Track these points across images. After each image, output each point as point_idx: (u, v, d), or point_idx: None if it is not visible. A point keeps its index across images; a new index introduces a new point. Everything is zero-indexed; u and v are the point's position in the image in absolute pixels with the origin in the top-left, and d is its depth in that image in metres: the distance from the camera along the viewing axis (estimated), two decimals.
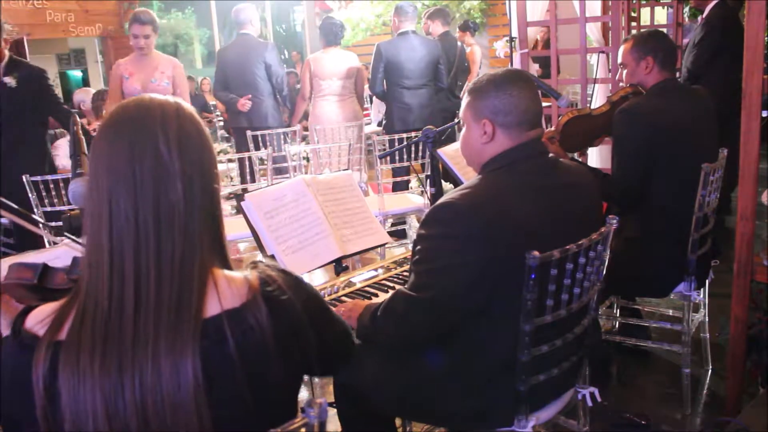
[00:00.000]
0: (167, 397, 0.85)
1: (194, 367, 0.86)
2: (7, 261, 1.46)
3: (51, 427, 0.86)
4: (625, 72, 2.49)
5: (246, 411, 0.90)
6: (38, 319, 0.92)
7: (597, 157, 4.40)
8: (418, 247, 1.48)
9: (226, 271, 0.96)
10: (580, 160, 3.20)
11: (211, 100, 8.90)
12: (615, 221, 1.58)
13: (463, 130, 1.63)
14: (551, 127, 4.25)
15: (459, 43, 5.80)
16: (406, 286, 1.50)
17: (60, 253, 1.57)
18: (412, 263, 1.51)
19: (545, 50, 4.88)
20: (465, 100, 1.61)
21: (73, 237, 1.40)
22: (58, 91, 9.90)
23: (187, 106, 0.98)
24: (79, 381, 0.84)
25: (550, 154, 1.59)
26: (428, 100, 4.68)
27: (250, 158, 3.81)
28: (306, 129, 5.07)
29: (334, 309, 1.73)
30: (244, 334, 0.90)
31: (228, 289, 0.93)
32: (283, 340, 0.93)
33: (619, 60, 2.51)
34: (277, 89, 4.80)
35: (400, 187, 4.32)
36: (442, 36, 5.35)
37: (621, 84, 2.61)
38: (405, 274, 2.02)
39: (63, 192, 3.33)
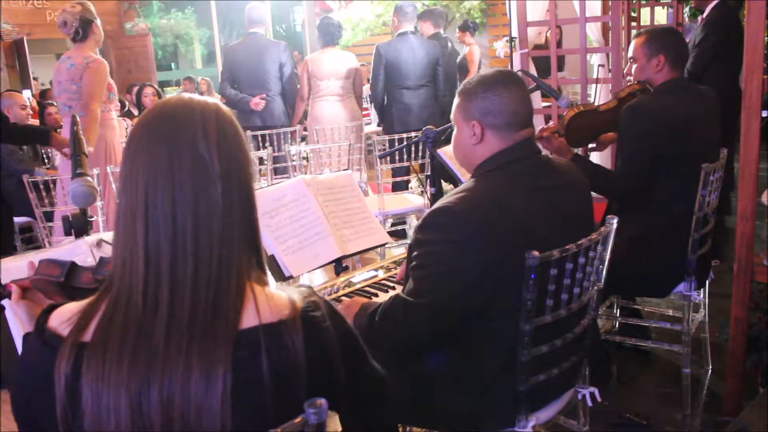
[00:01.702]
0: (194, 401, 0.84)
1: (224, 376, 0.84)
2: (7, 261, 1.46)
3: (70, 425, 0.86)
4: (634, 66, 2.46)
5: (266, 424, 0.88)
6: (62, 319, 0.90)
7: (598, 155, 4.39)
8: (416, 252, 1.48)
9: (268, 289, 0.95)
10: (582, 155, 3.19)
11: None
12: (615, 221, 1.57)
13: (454, 131, 1.63)
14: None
15: (449, 44, 5.80)
16: (404, 292, 1.49)
17: (73, 248, 1.57)
18: (409, 269, 1.50)
19: (545, 50, 4.88)
20: (455, 101, 1.61)
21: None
22: None
23: (225, 107, 0.98)
24: (104, 381, 0.84)
25: (545, 152, 1.59)
26: (427, 101, 4.68)
27: None
28: (306, 129, 5.07)
29: None
30: (278, 352, 0.88)
31: (267, 304, 0.91)
32: (314, 366, 0.91)
33: (630, 53, 2.49)
34: (287, 89, 4.82)
35: (399, 187, 4.32)
36: (432, 37, 5.35)
37: (628, 78, 2.58)
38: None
39: (63, 192, 3.33)
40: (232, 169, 0.92)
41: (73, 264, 1.16)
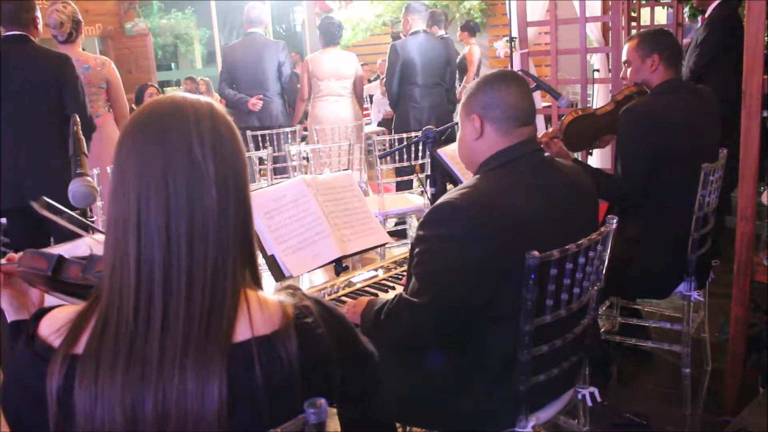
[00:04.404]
0: (191, 412, 0.83)
1: (220, 389, 0.83)
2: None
3: None
4: (629, 70, 2.46)
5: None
6: (53, 328, 0.88)
7: (598, 156, 4.40)
8: (418, 249, 1.48)
9: (260, 293, 0.92)
10: (580, 159, 3.19)
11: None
12: (615, 221, 1.57)
13: (459, 131, 1.64)
14: (551, 127, 4.25)
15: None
16: (408, 292, 1.49)
17: (68, 249, 1.56)
18: (412, 266, 1.50)
19: (545, 48, 4.88)
20: (461, 103, 1.63)
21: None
22: None
23: (220, 106, 0.94)
24: (98, 395, 0.82)
25: (547, 153, 1.60)
26: (440, 99, 4.71)
27: (249, 158, 3.82)
28: (306, 129, 5.07)
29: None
30: (272, 364, 0.86)
31: (260, 314, 0.88)
32: (309, 373, 0.90)
33: (624, 57, 2.49)
34: (286, 89, 4.82)
35: (404, 186, 4.31)
36: None
37: (623, 82, 2.58)
38: (405, 274, 2.02)
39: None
40: (228, 173, 0.88)
41: (60, 257, 1.14)
